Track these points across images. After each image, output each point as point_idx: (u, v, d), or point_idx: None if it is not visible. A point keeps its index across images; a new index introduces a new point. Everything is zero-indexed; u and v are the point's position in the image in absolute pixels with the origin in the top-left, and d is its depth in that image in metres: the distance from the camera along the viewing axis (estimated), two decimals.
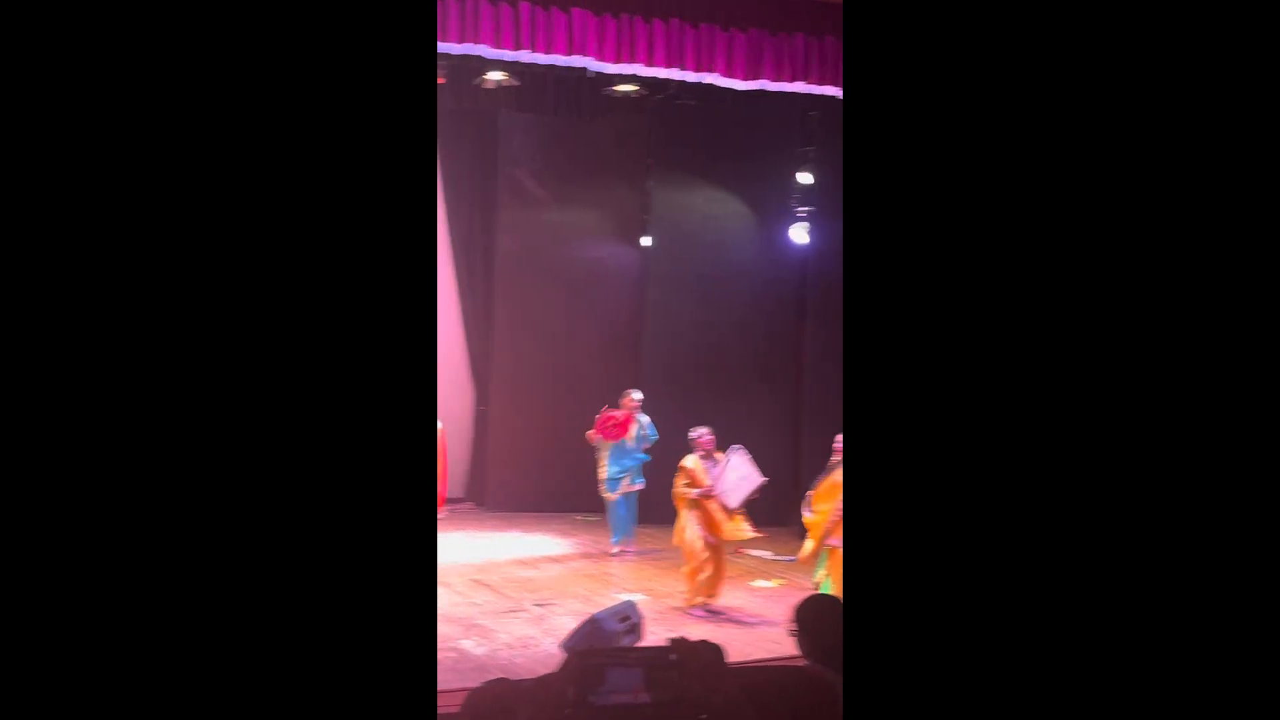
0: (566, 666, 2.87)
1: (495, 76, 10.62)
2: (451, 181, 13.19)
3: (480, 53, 8.77)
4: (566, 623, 7.58)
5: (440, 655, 7.18)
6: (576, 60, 9.00)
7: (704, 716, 2.79)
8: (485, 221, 13.25)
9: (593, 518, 11.59)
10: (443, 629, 7.85)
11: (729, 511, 8.61)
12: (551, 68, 9.61)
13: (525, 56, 8.96)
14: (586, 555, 10.71)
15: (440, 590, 9.08)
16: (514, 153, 12.94)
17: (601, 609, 6.71)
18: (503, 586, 9.26)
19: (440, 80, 10.53)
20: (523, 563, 10.29)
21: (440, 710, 3.87)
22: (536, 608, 8.54)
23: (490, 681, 3.78)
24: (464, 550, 10.77)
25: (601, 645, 5.81)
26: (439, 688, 5.83)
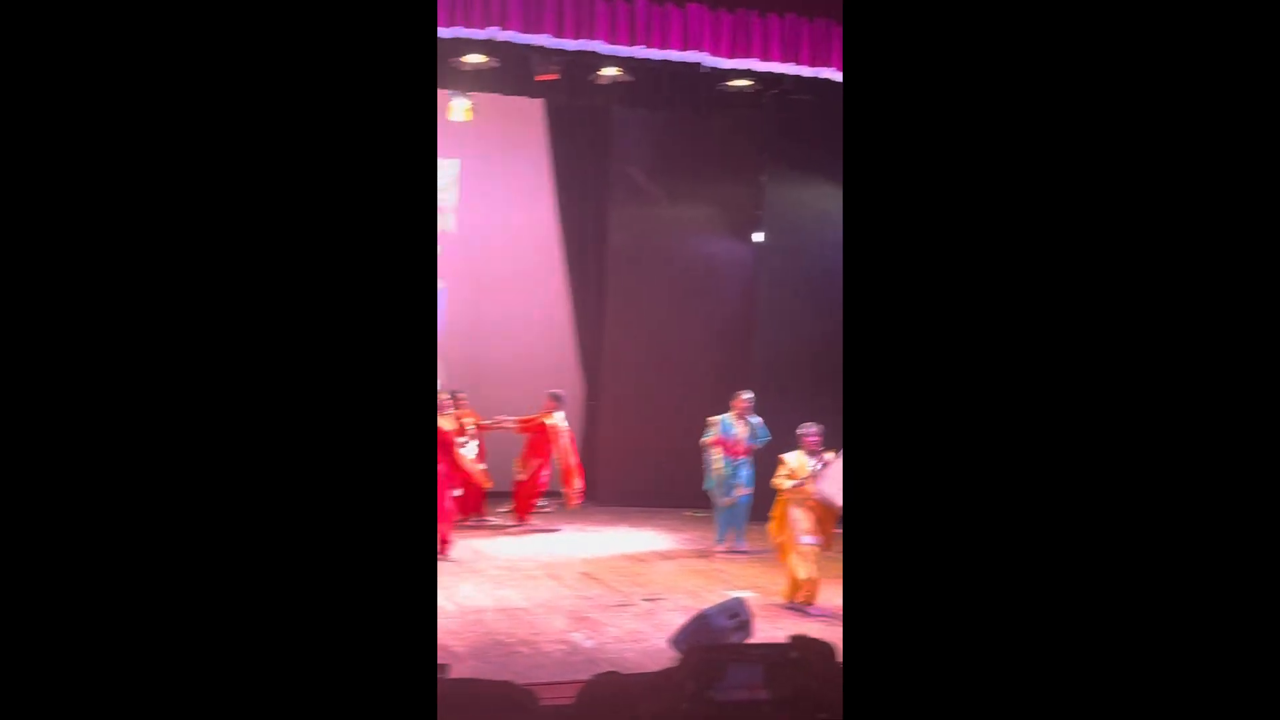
0: (687, 661, 2.87)
1: (609, 72, 10.63)
2: (564, 177, 13.29)
3: (595, 48, 8.81)
4: (676, 618, 7.57)
5: (550, 648, 7.24)
6: (691, 55, 8.98)
7: (824, 716, 2.76)
8: (597, 217, 13.30)
9: (702, 513, 11.57)
10: (553, 621, 7.91)
11: (831, 512, 8.53)
12: (666, 63, 9.58)
13: (640, 52, 8.96)
14: (696, 551, 10.69)
15: (550, 583, 9.17)
16: (627, 148, 12.97)
17: (710, 605, 6.70)
18: (612, 580, 9.29)
19: (554, 76, 10.60)
20: (632, 558, 10.31)
21: (549, 701, 3.90)
22: (646, 602, 8.54)
23: (601, 674, 3.80)
24: (574, 544, 10.84)
25: (710, 641, 5.80)
26: (547, 680, 5.89)
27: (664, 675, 2.95)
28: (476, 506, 11.44)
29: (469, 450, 10.54)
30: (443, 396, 10.60)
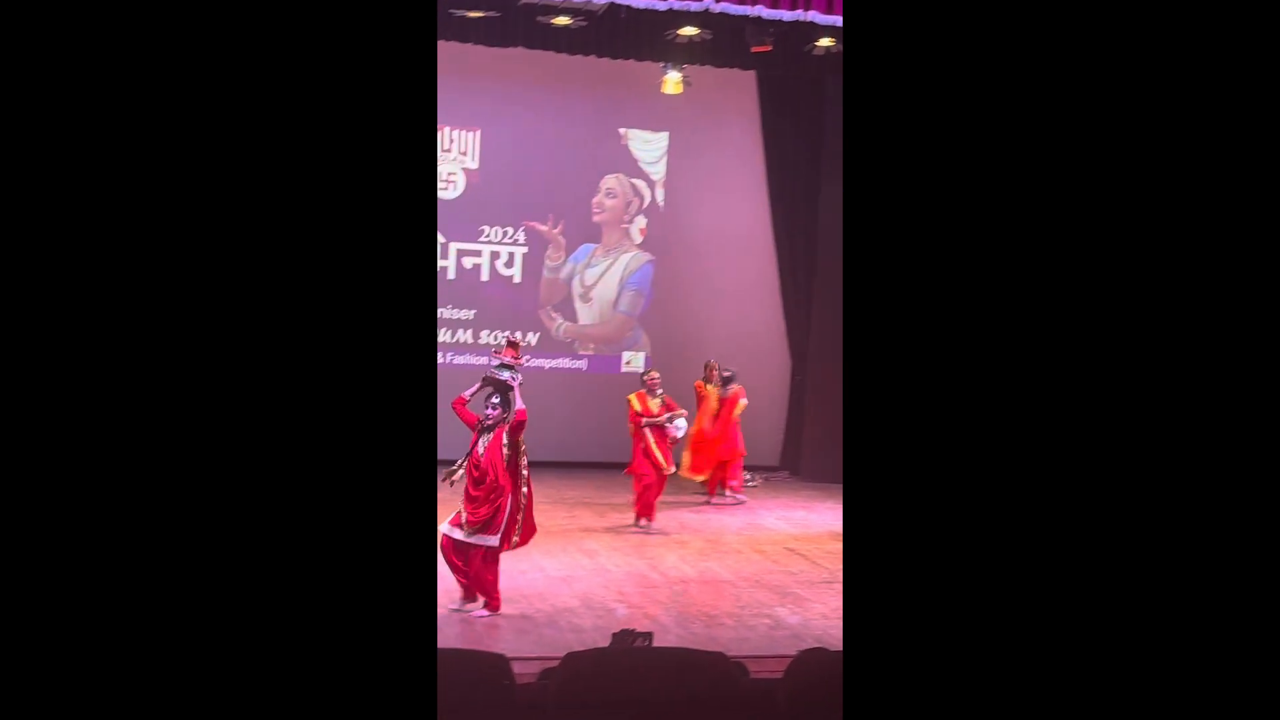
0: None
1: (825, 43, 10.50)
2: (775, 150, 13.18)
3: (811, 19, 8.72)
4: None
5: (755, 621, 7.25)
6: None
7: None
8: (808, 190, 13.16)
9: None
10: (757, 595, 7.91)
11: None
12: None
13: None
14: None
15: (755, 556, 9.18)
16: (840, 121, 12.79)
17: None
18: (818, 557, 9.23)
19: (768, 48, 10.52)
20: (838, 535, 10.21)
21: (756, 674, 3.90)
22: None
23: (808, 650, 3.78)
24: (778, 519, 10.83)
25: None
26: (751, 653, 5.90)
27: None
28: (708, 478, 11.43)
29: (679, 425, 10.53)
30: (653, 374, 10.65)
